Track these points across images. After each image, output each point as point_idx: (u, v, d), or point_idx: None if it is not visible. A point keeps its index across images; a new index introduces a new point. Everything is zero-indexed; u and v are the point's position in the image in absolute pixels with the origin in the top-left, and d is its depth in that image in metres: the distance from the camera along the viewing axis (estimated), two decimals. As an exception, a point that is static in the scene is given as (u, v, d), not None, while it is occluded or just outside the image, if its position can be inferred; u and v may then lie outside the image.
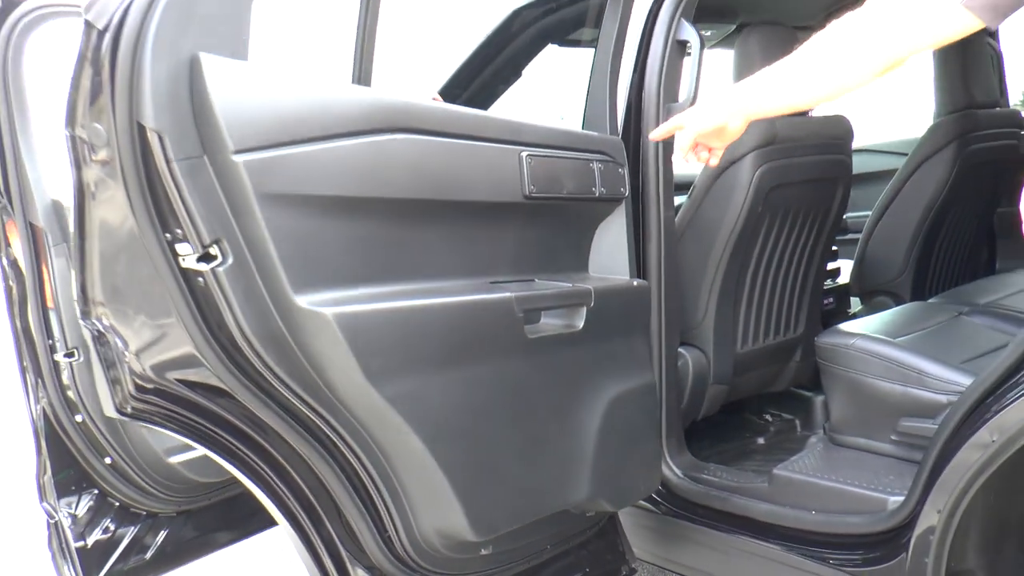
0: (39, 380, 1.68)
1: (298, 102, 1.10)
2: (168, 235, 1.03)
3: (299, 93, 1.10)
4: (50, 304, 1.65)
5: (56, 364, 1.66)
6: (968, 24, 0.94)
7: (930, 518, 1.28)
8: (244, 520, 1.94)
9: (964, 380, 1.52)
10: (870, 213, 2.49)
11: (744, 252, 1.94)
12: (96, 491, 1.75)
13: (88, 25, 0.97)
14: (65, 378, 1.68)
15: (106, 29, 0.96)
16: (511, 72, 2.16)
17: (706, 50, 1.81)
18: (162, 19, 0.97)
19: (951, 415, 1.32)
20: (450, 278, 1.31)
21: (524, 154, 1.40)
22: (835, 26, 1.07)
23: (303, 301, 1.09)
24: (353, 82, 1.28)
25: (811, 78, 1.11)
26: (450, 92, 2.09)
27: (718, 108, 1.23)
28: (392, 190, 1.21)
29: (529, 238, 1.47)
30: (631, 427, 1.56)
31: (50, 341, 1.64)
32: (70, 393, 1.68)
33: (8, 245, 1.65)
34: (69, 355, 1.64)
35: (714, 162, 1.31)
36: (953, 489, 1.24)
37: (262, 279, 1.08)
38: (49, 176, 1.63)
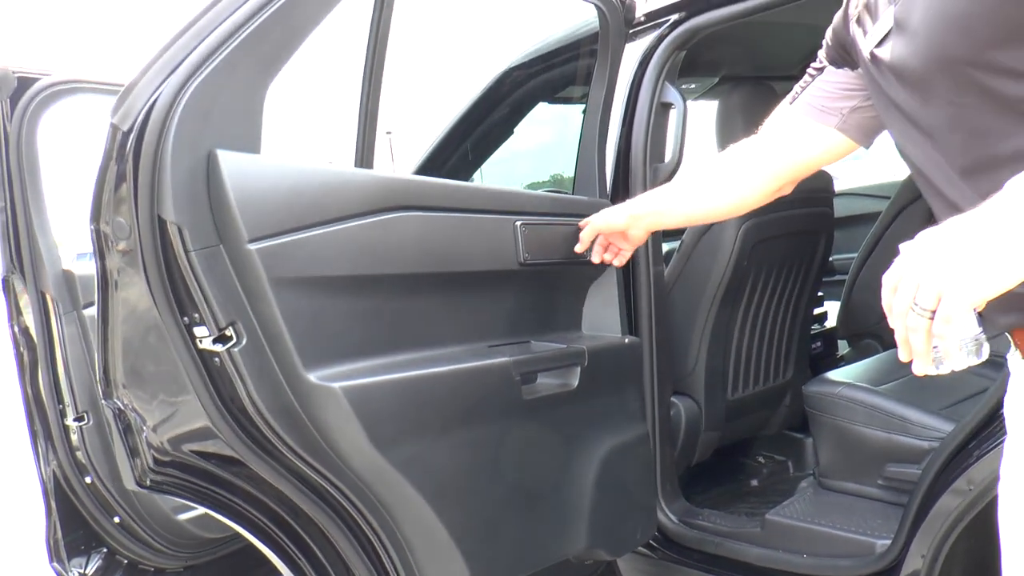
0: (49, 444, 1.71)
1: (307, 190, 1.15)
2: (186, 319, 1.07)
3: (307, 181, 1.16)
4: (60, 370, 1.70)
5: (66, 428, 1.70)
6: (844, 145, 1.05)
7: (915, 562, 1.32)
8: (249, 572, 1.96)
9: (945, 426, 1.57)
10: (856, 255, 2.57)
11: (732, 303, 1.98)
12: (105, 550, 1.78)
13: (113, 127, 1.03)
14: (75, 440, 1.72)
15: (130, 130, 1.02)
16: (503, 131, 2.24)
17: (690, 101, 1.88)
18: (182, 119, 1.03)
19: (932, 462, 1.37)
20: (450, 345, 1.36)
21: (518, 223, 1.45)
22: (732, 148, 1.20)
23: (313, 376, 1.14)
24: (357, 164, 1.34)
25: (709, 194, 1.23)
26: (441, 153, 2.16)
27: (620, 213, 1.39)
28: (396, 266, 1.26)
29: (524, 302, 1.51)
30: (626, 478, 1.61)
31: (60, 406, 1.68)
32: (79, 455, 1.72)
33: (20, 313, 1.69)
34: (79, 419, 1.68)
35: (618, 263, 1.46)
36: (936, 533, 1.29)
37: (275, 357, 1.13)
38: (60, 246, 1.70)
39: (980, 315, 0.66)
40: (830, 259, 2.28)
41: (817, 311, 2.58)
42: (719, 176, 1.21)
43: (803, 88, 1.06)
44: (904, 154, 0.89)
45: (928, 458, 1.43)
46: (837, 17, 0.98)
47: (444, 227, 1.32)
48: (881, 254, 2.38)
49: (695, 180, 1.26)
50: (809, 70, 1.06)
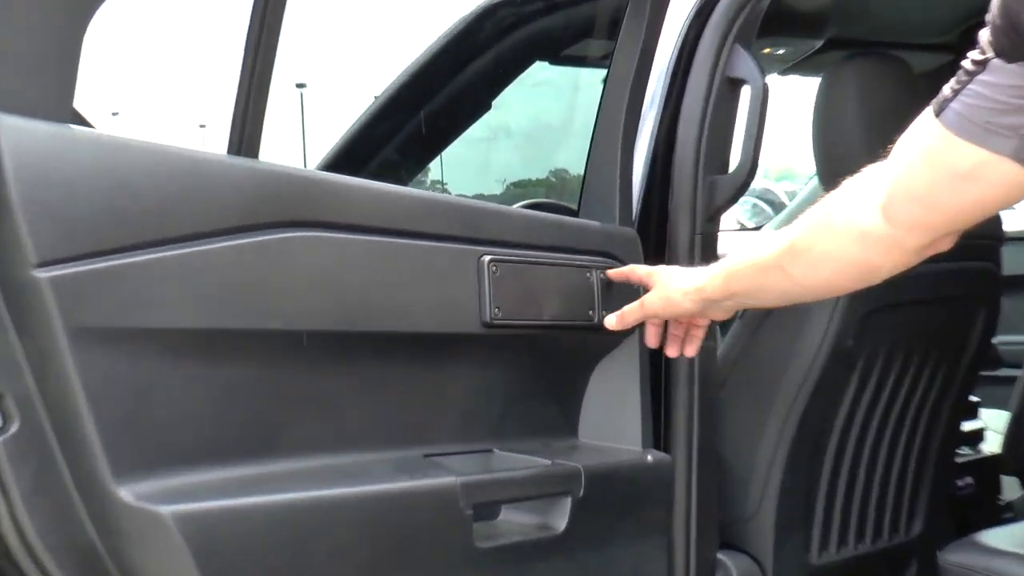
0: None
1: (143, 185, 1.15)
2: None
3: (144, 170, 1.16)
4: None
5: None
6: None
7: None
8: None
9: None
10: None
11: (824, 408, 1.98)
12: None
13: None
14: None
15: None
16: (476, 103, 2.27)
17: (773, 77, 1.88)
18: None
19: None
20: (363, 451, 1.38)
21: (486, 259, 1.47)
22: (854, 181, 1.26)
23: (128, 492, 1.13)
24: (233, 148, 1.32)
25: (823, 260, 1.31)
26: (373, 132, 2.21)
27: (689, 291, 1.48)
28: (280, 318, 1.27)
29: (488, 386, 1.54)
30: None
31: None
32: None
33: None
34: None
35: (689, 353, 1.59)
36: None
37: (66, 456, 1.12)
38: None
39: None
40: (992, 343, 2.26)
41: (968, 427, 2.56)
42: (841, 230, 1.25)
43: (955, 92, 1.07)
44: None
45: None
46: None
47: (364, 259, 1.34)
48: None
49: (801, 236, 1.31)
50: (964, 64, 1.06)
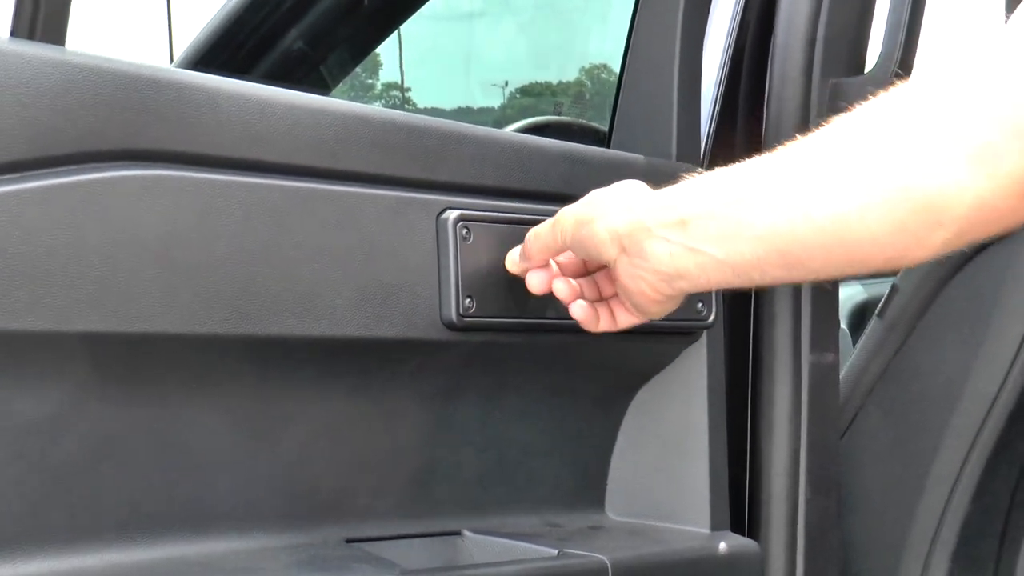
0: None
1: None
2: None
3: None
4: None
5: None
6: None
7: None
8: None
9: None
10: None
11: (1018, 457, 1.98)
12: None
13: None
14: None
15: None
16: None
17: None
18: None
19: None
20: (242, 533, 1.34)
21: (451, 216, 1.40)
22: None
23: None
24: (18, 34, 1.28)
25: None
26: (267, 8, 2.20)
27: (594, 219, 1.36)
28: (98, 315, 1.20)
29: (456, 426, 1.51)
30: None
31: None
32: None
33: None
34: None
35: (604, 326, 1.44)
36: None
37: None
38: None
39: None
40: None
41: None
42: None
43: None
44: None
45: None
46: None
47: (246, 216, 1.28)
48: None
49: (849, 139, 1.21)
50: None
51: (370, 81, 2.25)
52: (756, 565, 1.67)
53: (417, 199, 1.38)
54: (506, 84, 3.11)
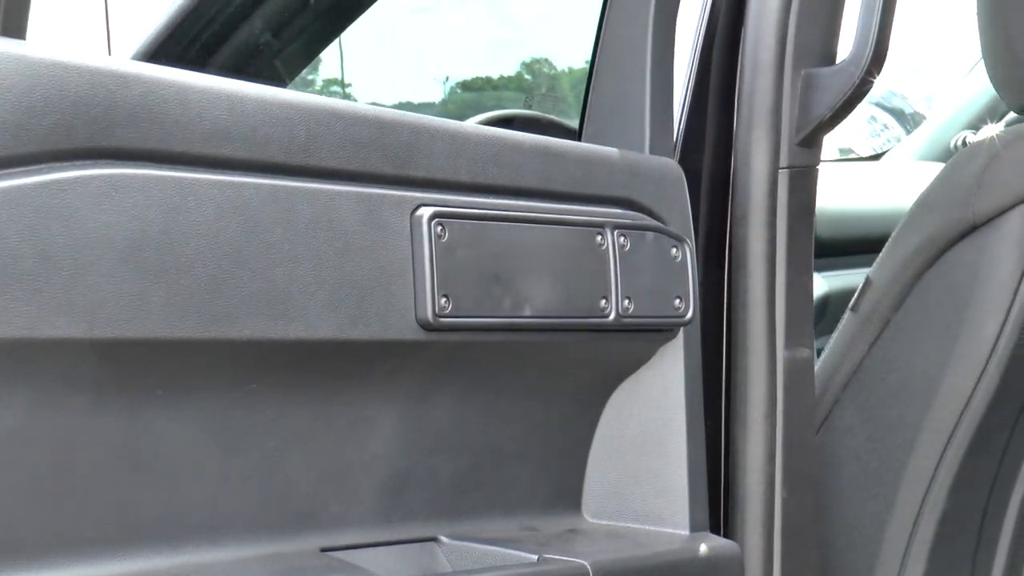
0: None
1: None
2: None
3: None
4: None
5: None
6: None
7: None
8: None
9: None
10: None
11: (1000, 447, 1.99)
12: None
13: None
14: None
15: None
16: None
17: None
18: None
19: None
20: (214, 544, 1.35)
21: (426, 213, 1.40)
22: None
23: None
24: None
25: None
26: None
27: None
28: (64, 321, 1.20)
29: (430, 430, 1.50)
30: None
31: None
32: None
33: None
34: None
35: None
36: None
37: None
38: None
39: None
40: None
41: None
42: None
43: None
44: None
45: None
46: None
47: (214, 215, 1.28)
48: None
49: None
50: None
51: (311, 77, 2.25)
52: (736, 567, 1.68)
53: (390, 196, 1.40)
54: (451, 80, 3.13)
